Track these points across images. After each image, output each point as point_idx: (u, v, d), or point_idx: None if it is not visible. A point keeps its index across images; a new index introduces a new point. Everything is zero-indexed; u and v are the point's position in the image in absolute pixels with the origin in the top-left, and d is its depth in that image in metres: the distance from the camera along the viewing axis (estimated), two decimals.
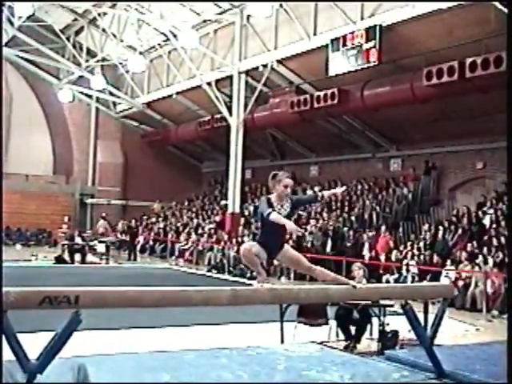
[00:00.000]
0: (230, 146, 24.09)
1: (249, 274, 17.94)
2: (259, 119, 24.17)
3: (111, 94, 30.89)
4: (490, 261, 14.09)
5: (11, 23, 26.62)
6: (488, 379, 5.38)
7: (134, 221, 28.48)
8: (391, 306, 8.58)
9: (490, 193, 18.72)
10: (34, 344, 4.35)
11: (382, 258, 17.25)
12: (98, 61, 28.94)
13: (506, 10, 13.88)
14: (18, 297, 4.05)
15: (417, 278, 15.18)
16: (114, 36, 27.07)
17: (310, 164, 27.53)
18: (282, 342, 8.10)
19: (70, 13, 28.56)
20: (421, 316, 6.02)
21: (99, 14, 26.66)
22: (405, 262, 16.15)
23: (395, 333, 8.61)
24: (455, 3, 15.53)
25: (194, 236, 24.75)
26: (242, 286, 6.78)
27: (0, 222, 21.14)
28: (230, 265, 20.39)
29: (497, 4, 14.42)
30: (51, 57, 29.08)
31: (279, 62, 21.99)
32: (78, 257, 21.40)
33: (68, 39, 29.67)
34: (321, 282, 5.50)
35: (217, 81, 24.60)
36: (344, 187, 6.23)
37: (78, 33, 30.13)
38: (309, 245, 19.44)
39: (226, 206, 25.20)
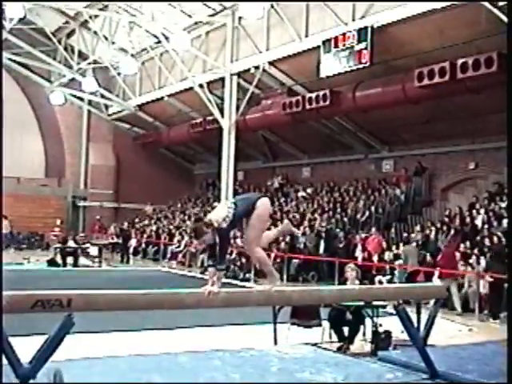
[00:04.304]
0: (222, 147, 24.06)
1: (241, 276, 17.94)
2: (251, 121, 24.15)
3: (103, 96, 30.81)
4: (483, 261, 14.11)
5: (2, 26, 26.50)
6: (481, 379, 5.39)
7: (126, 223, 28.41)
8: (384, 306, 8.59)
9: (482, 193, 18.76)
10: (27, 348, 4.33)
11: (375, 258, 17.26)
12: (89, 63, 28.85)
13: (501, 15, 13.96)
14: (10, 300, 4.02)
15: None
16: (106, 38, 26.97)
17: (303, 165, 27.54)
18: (276, 343, 8.09)
19: (62, 15, 28.46)
20: (414, 317, 6.03)
21: (90, 17, 26.58)
22: (397, 262, 16.16)
23: (388, 334, 8.61)
24: (447, 3, 15.55)
25: (186, 238, 24.69)
26: (234, 288, 6.79)
27: None
28: None
29: (487, 5, 14.48)
30: (43, 59, 28.96)
31: (271, 63, 21.97)
32: (70, 260, 21.36)
33: (59, 42, 29.57)
34: (314, 284, 5.50)
35: (208, 83, 24.55)
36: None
37: (69, 35, 30.04)
38: (302, 246, 19.45)
39: None
